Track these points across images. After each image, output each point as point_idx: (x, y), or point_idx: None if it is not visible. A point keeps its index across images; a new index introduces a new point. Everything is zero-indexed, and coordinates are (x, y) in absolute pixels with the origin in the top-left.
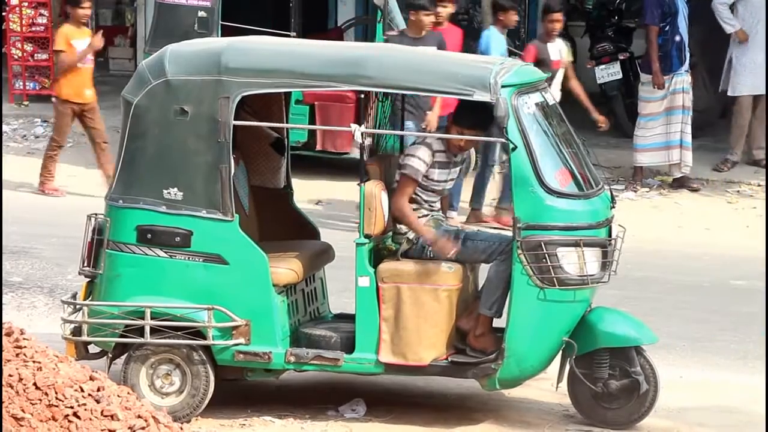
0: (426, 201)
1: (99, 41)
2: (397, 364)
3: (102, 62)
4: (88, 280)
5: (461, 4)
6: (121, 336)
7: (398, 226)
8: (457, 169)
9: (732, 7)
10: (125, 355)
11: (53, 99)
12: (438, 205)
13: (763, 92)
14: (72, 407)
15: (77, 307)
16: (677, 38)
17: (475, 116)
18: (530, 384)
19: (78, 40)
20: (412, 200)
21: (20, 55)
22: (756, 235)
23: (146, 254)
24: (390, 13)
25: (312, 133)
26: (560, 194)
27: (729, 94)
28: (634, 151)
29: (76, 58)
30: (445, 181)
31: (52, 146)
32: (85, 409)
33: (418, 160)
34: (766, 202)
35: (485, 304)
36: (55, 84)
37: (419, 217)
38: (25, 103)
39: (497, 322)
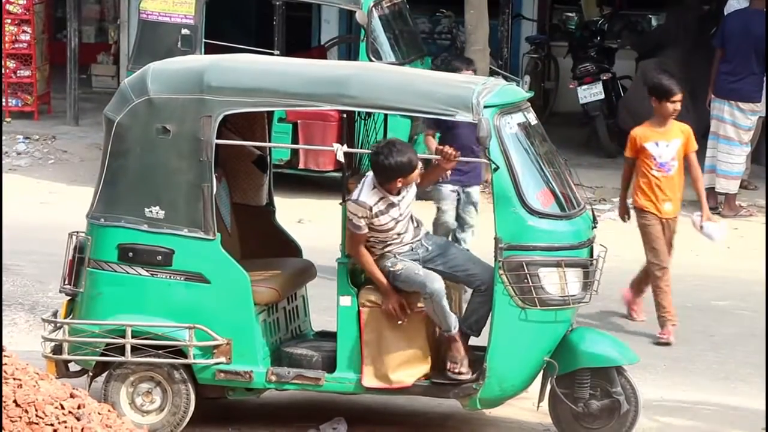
0: (386, 242)
1: None
2: (380, 388)
3: (85, 79)
4: (69, 298)
5: (445, 24)
6: (102, 354)
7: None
8: (407, 199)
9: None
10: (106, 373)
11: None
12: (407, 236)
13: None
14: (52, 425)
15: (58, 325)
16: None
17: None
18: (511, 403)
19: None
20: (374, 244)
21: (3, 71)
22: (738, 256)
23: (127, 273)
24: (373, 33)
25: (295, 152)
26: (542, 215)
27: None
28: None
29: None
30: (396, 220)
31: (655, 274)
32: (66, 427)
33: (357, 219)
34: (766, 221)
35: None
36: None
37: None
38: (8, 119)
39: (479, 341)
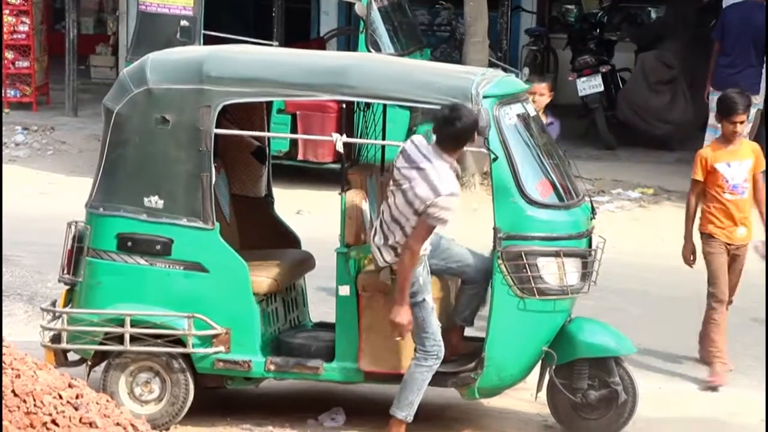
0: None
1: None
2: (377, 371)
3: (83, 70)
4: (68, 287)
5: (444, 16)
6: (101, 344)
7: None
8: None
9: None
10: (105, 362)
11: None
12: None
13: None
14: (50, 414)
15: (56, 314)
16: None
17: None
18: (509, 393)
19: None
20: None
21: (2, 62)
22: None
23: (126, 262)
24: (372, 24)
25: (294, 142)
26: (541, 205)
27: None
28: None
29: None
30: None
31: (711, 305)
32: (64, 417)
33: (449, 213)
34: (766, 219)
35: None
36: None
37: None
38: (6, 110)
39: (476, 332)
